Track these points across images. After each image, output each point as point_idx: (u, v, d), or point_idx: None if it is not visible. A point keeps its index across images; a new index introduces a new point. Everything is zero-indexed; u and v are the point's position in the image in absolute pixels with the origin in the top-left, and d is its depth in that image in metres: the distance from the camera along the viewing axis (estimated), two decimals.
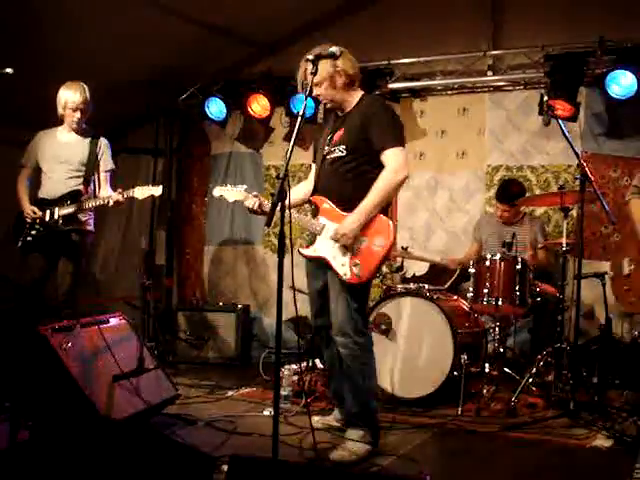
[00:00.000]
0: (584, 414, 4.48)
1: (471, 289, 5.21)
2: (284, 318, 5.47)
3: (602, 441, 4.10)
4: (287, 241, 3.05)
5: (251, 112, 7.17)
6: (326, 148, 4.03)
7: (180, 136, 8.01)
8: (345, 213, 3.86)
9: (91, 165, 5.33)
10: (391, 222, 3.86)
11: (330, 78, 3.90)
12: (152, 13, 6.02)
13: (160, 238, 7.79)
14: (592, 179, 4.47)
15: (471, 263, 5.30)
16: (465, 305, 5.34)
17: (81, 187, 5.28)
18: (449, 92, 6.88)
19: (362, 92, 4.06)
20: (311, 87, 3.67)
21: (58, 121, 5.36)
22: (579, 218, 4.72)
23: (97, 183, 5.41)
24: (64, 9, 5.57)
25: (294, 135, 3.07)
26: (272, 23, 6.88)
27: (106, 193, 5.30)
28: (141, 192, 5.15)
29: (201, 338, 6.73)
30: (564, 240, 5.03)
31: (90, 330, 4.18)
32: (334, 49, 3.74)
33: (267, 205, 4.06)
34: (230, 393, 5.32)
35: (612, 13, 5.97)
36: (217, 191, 4.35)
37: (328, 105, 4.04)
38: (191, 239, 8.08)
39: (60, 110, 5.27)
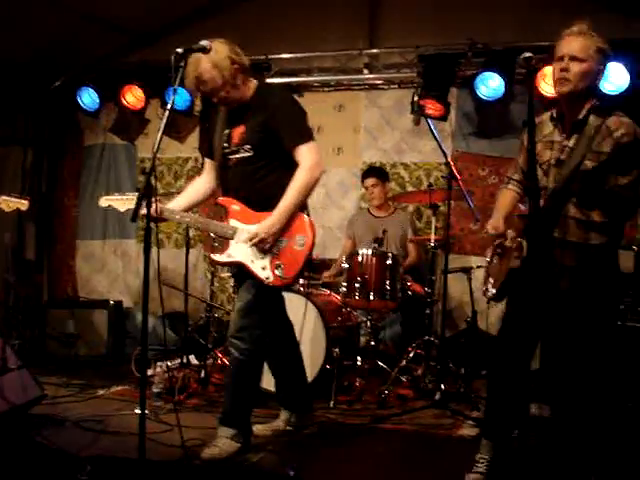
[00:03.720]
0: (452, 404, 4.64)
1: (344, 284, 5.28)
2: (162, 314, 5.45)
3: (467, 430, 4.24)
4: (161, 236, 2.99)
5: (125, 103, 6.99)
6: (226, 147, 3.77)
7: (51, 126, 7.73)
8: (259, 213, 3.69)
9: None
10: (309, 219, 3.73)
11: (231, 77, 3.59)
12: None
13: (29, 232, 7.51)
14: (458, 177, 4.63)
15: (343, 258, 5.37)
16: (338, 299, 5.41)
17: None
18: (326, 89, 6.96)
19: (255, 81, 3.78)
20: (213, 92, 3.58)
21: None
22: (447, 215, 4.87)
23: None
24: None
25: (161, 129, 3.00)
26: (149, 13, 6.76)
27: None
28: (7, 204, 4.93)
29: (72, 335, 6.51)
30: (432, 236, 5.21)
31: None
32: (205, 43, 3.26)
33: (172, 212, 3.77)
34: (101, 392, 5.18)
35: (481, 17, 6.19)
36: (103, 201, 3.92)
37: (224, 104, 3.74)
38: (62, 233, 7.81)
39: None
